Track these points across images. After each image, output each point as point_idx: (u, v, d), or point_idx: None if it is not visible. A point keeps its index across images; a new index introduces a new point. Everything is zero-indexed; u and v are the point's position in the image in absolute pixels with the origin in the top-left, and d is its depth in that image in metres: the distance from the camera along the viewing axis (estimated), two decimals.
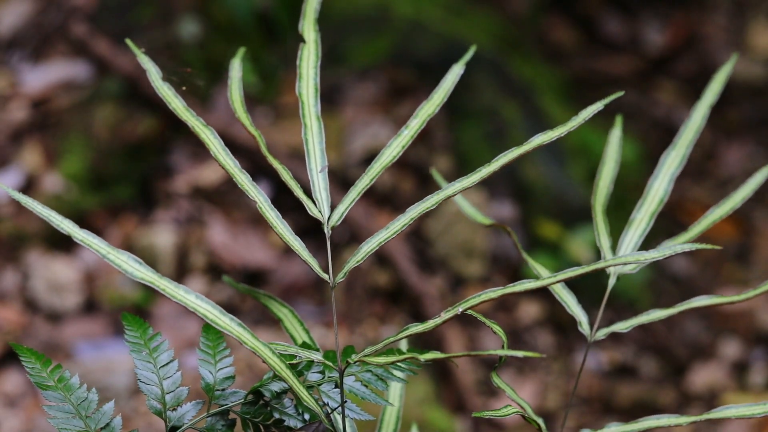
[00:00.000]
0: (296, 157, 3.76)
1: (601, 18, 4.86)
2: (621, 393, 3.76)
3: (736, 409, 1.64)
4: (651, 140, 4.40)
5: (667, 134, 4.41)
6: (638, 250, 1.79)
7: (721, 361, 3.90)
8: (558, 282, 1.49)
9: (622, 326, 1.74)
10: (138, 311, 3.70)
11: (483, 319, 1.54)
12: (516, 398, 1.60)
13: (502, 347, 1.55)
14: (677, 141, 1.85)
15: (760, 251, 4.22)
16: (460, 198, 1.88)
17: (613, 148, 1.86)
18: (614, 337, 3.89)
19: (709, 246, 1.56)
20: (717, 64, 4.68)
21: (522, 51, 4.41)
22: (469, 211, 1.90)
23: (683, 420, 1.65)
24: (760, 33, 4.85)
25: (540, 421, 1.58)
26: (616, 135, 1.87)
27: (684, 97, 4.67)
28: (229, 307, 3.76)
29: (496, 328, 1.52)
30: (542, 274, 1.74)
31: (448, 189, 1.59)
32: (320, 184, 1.66)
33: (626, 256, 1.56)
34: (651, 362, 3.87)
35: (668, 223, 4.10)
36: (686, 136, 1.85)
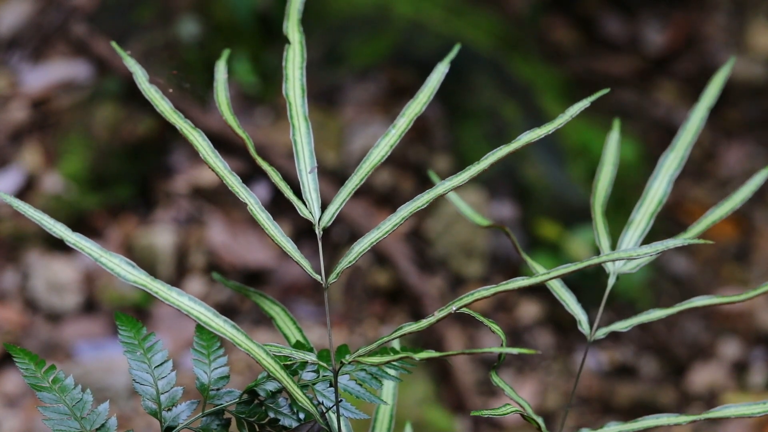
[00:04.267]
0: None
1: (601, 18, 4.85)
2: (621, 393, 3.76)
3: (735, 408, 1.63)
4: (651, 140, 4.40)
5: (667, 134, 4.40)
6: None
7: (721, 361, 3.89)
8: (552, 278, 1.49)
9: (621, 325, 1.75)
10: (138, 311, 3.70)
11: (481, 318, 1.53)
12: (515, 397, 1.60)
13: (502, 346, 1.54)
14: (676, 143, 1.86)
15: (760, 251, 4.22)
16: (457, 199, 1.89)
17: (612, 150, 1.88)
18: (614, 337, 3.89)
19: (702, 241, 1.56)
20: (717, 64, 4.68)
21: (522, 51, 4.41)
22: (468, 213, 1.90)
23: (683, 419, 1.64)
24: (760, 33, 4.84)
25: (540, 420, 1.58)
26: (614, 138, 1.88)
27: (684, 97, 4.66)
28: (229, 307, 3.76)
29: (495, 327, 1.52)
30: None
31: (439, 187, 1.59)
32: (310, 184, 1.66)
33: (619, 252, 1.56)
34: (651, 362, 3.86)
35: (669, 223, 4.10)
36: (685, 137, 1.86)
